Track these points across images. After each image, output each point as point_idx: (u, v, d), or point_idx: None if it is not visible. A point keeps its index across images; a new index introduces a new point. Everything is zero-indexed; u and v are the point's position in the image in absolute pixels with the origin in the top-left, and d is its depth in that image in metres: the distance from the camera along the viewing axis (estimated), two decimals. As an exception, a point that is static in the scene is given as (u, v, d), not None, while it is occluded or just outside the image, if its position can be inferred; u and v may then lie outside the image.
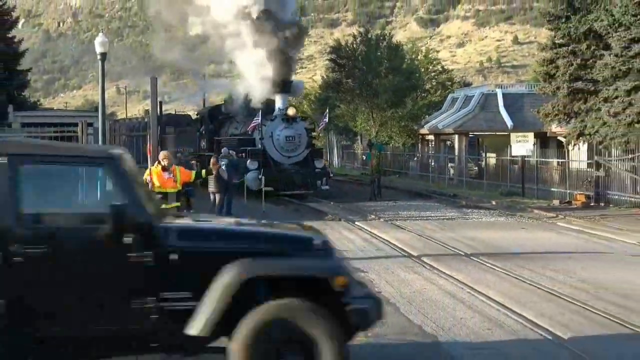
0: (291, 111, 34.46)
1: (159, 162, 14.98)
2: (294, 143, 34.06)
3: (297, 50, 40.43)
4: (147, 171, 14.89)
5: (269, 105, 36.57)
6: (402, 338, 9.74)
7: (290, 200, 32.00)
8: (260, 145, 33.98)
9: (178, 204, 15.03)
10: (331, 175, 36.44)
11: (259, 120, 33.61)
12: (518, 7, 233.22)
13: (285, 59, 35.26)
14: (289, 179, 32.97)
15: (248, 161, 32.99)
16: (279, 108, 34.96)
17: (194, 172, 16.54)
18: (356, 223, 24.13)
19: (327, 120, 37.12)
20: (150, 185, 14.34)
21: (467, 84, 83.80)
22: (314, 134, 36.64)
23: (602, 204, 30.72)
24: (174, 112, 67.91)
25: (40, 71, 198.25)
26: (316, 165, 34.74)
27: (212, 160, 25.45)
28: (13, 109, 44.72)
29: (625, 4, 29.28)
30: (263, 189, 29.84)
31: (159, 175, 14.64)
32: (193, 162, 28.63)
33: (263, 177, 30.81)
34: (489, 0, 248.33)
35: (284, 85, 35.26)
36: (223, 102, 46.52)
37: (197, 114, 50.17)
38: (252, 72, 36.17)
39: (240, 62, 38.34)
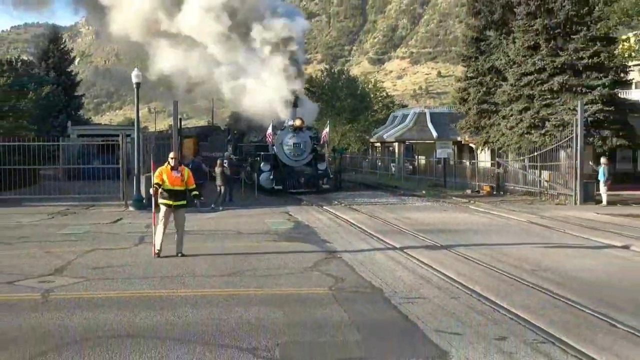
0: (298, 122, 31.46)
1: (169, 162, 13.10)
2: (300, 149, 31.32)
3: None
4: (157, 172, 12.94)
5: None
6: (358, 289, 9.76)
7: (282, 191, 30.24)
8: (272, 151, 31.32)
9: (185, 201, 13.22)
10: (331, 176, 32.89)
11: (270, 130, 31.26)
12: (441, 50, 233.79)
13: (295, 80, 33.31)
14: (296, 179, 30.54)
15: (262, 164, 30.91)
16: (288, 120, 32.25)
17: (194, 185, 13.67)
18: (324, 207, 24.05)
19: (328, 130, 33.97)
20: (160, 183, 12.74)
21: (404, 106, 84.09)
22: (316, 144, 33.34)
23: (502, 193, 30.90)
24: (207, 125, 66.51)
25: (91, 96, 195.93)
26: (319, 167, 31.99)
27: (218, 162, 25.44)
28: (71, 124, 44.41)
29: (517, 48, 29.49)
30: (256, 186, 29.71)
31: (169, 174, 12.91)
32: (202, 163, 28.51)
33: (273, 178, 29.93)
34: (420, 44, 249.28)
35: (293, 102, 32.83)
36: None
37: (225, 126, 47.69)
38: (265, 91, 34.22)
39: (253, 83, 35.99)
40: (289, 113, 32.52)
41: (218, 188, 24.72)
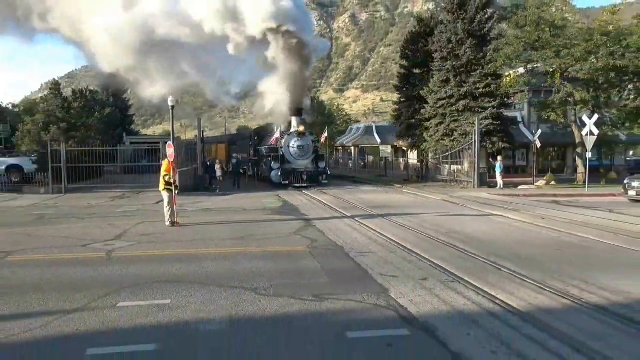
0: (301, 128, 27.73)
1: (169, 159, 12.95)
2: (304, 150, 27.52)
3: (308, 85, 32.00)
4: (168, 166, 12.84)
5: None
6: (327, 247, 9.77)
7: (288, 185, 26.60)
8: (281, 152, 27.60)
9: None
10: (329, 172, 28.95)
11: (277, 135, 28.24)
12: (383, 83, 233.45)
13: (300, 92, 28.75)
14: (299, 175, 26.94)
15: (272, 163, 27.24)
16: (293, 126, 28.28)
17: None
18: (303, 191, 24.01)
19: (326, 135, 29.38)
20: (172, 175, 12.80)
21: (357, 121, 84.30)
22: (317, 147, 29.46)
23: (425, 181, 31.18)
24: (234, 133, 63.14)
25: (140, 115, 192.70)
26: (320, 165, 28.10)
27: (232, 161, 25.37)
28: (126, 135, 43.76)
29: (435, 81, 29.63)
30: (255, 177, 29.34)
31: (174, 168, 13.11)
32: (215, 162, 28.20)
33: (281, 175, 26.50)
34: (368, 79, 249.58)
35: (298, 110, 28.58)
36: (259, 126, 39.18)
37: (251, 130, 41.78)
38: (276, 102, 29.77)
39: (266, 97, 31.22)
40: (295, 120, 28.51)
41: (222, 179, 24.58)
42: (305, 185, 26.38)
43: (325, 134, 30.61)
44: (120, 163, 29.00)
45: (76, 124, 31.68)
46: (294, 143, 27.59)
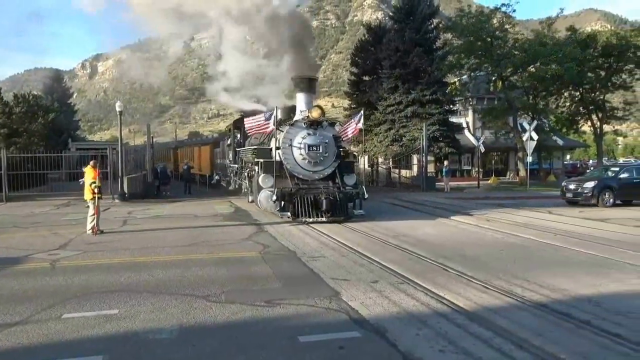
0: (316, 113, 15.05)
1: (94, 166, 12.67)
2: (320, 154, 15.02)
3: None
4: (94, 174, 12.58)
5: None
6: (279, 252, 9.72)
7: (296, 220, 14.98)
8: (278, 157, 14.97)
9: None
10: (366, 196, 15.07)
11: (271, 125, 14.85)
12: (334, 89, 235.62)
13: (307, 53, 17.47)
14: (312, 200, 14.22)
15: (261, 176, 14.97)
16: (300, 110, 15.83)
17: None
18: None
19: (362, 122, 14.15)
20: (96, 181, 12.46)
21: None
22: (341, 147, 15.86)
23: (375, 185, 31.60)
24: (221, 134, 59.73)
25: (86, 120, 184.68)
26: (346, 181, 15.24)
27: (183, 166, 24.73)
28: (71, 140, 42.12)
29: (384, 88, 30.21)
30: (208, 183, 28.71)
31: (98, 175, 12.71)
32: (167, 168, 27.38)
33: (277, 200, 14.22)
34: (320, 85, 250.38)
35: (308, 82, 16.13)
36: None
37: (226, 128, 27.98)
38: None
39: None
40: (302, 98, 16.12)
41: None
42: (324, 219, 14.16)
43: (360, 122, 15.22)
44: (66, 170, 27.88)
45: (18, 130, 30.28)
46: (301, 140, 15.16)
